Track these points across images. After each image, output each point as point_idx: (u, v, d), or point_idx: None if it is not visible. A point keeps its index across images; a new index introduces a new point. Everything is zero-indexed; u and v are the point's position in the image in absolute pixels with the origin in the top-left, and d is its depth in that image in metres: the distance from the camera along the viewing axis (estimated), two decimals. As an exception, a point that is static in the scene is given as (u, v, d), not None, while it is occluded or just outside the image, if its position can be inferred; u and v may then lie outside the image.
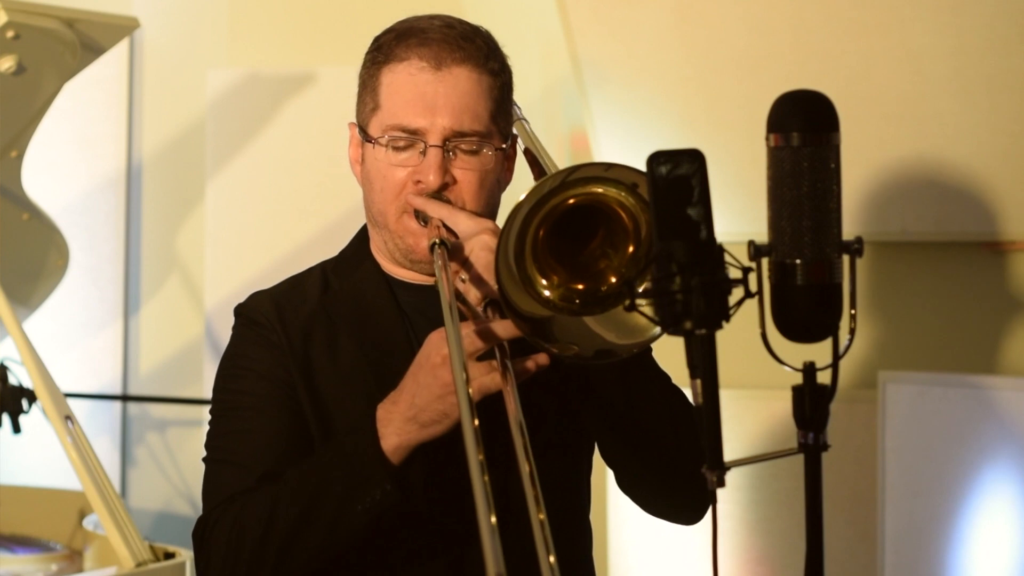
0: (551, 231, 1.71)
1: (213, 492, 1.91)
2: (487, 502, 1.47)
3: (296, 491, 1.82)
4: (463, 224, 1.84)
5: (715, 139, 3.44)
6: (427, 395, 1.75)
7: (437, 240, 1.81)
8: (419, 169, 1.89)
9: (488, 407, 1.72)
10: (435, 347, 1.75)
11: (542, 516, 1.53)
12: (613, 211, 1.71)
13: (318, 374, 1.93)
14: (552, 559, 1.49)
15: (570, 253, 1.75)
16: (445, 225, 1.85)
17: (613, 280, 1.74)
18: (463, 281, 1.80)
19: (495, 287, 1.75)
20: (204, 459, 1.95)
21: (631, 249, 1.73)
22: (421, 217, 1.90)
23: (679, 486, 1.90)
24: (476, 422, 1.57)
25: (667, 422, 1.87)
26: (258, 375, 1.93)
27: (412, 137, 1.89)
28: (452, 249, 1.81)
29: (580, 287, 1.74)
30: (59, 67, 3.26)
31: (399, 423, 1.77)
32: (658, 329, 1.67)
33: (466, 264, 1.81)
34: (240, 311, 2.01)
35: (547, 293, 1.73)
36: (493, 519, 1.46)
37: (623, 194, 1.69)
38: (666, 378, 1.92)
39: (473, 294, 1.79)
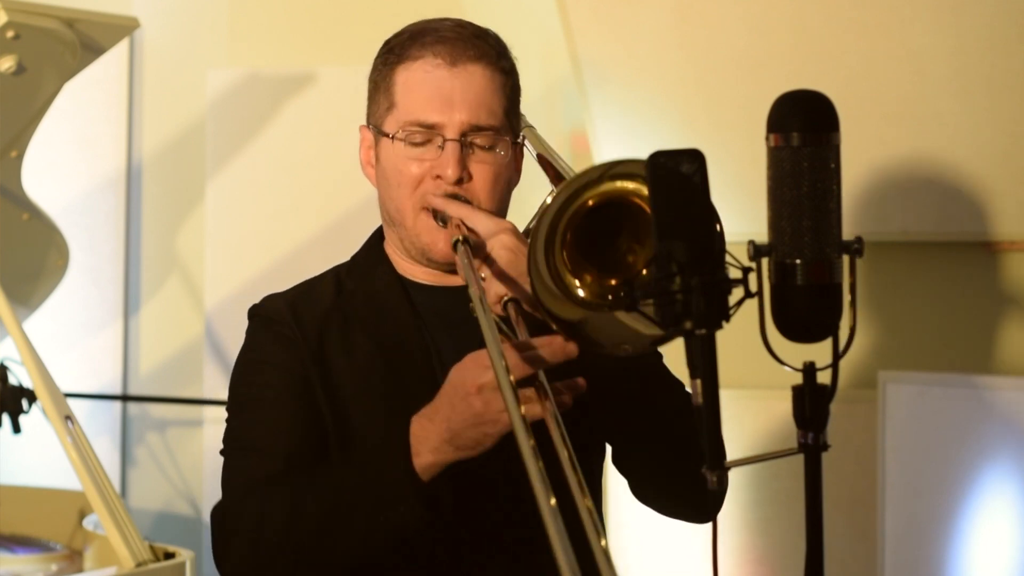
0: (578, 231, 1.70)
1: (233, 478, 1.91)
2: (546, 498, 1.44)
3: (321, 496, 1.81)
4: (483, 224, 1.84)
5: (715, 139, 3.44)
6: (461, 422, 1.72)
7: (460, 238, 1.82)
8: (438, 163, 1.90)
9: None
10: (470, 374, 1.71)
11: (589, 504, 1.50)
12: (634, 205, 1.69)
13: (334, 370, 1.93)
14: (604, 543, 1.45)
15: (598, 252, 1.73)
16: (465, 225, 1.86)
17: (645, 271, 1.71)
18: (483, 279, 1.80)
19: (517, 285, 1.75)
20: (222, 451, 1.95)
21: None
22: (439, 217, 1.91)
23: (693, 484, 1.91)
24: (532, 442, 1.52)
25: (680, 422, 1.86)
26: (274, 368, 1.93)
27: (430, 132, 1.91)
28: (473, 247, 1.81)
29: (613, 283, 1.72)
30: (59, 67, 3.26)
31: (435, 442, 1.75)
32: None
33: (487, 262, 1.81)
34: (254, 312, 2.01)
35: (581, 292, 1.71)
36: (553, 501, 1.43)
37: (644, 188, 1.68)
38: (678, 382, 1.93)
39: (494, 292, 1.79)
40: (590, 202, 1.69)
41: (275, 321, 1.96)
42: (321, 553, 1.82)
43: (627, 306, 1.56)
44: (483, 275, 1.81)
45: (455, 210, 1.88)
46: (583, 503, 1.49)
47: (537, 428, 1.60)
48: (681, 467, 1.85)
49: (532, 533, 1.85)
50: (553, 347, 1.68)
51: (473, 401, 1.70)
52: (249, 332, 2.00)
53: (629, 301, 1.54)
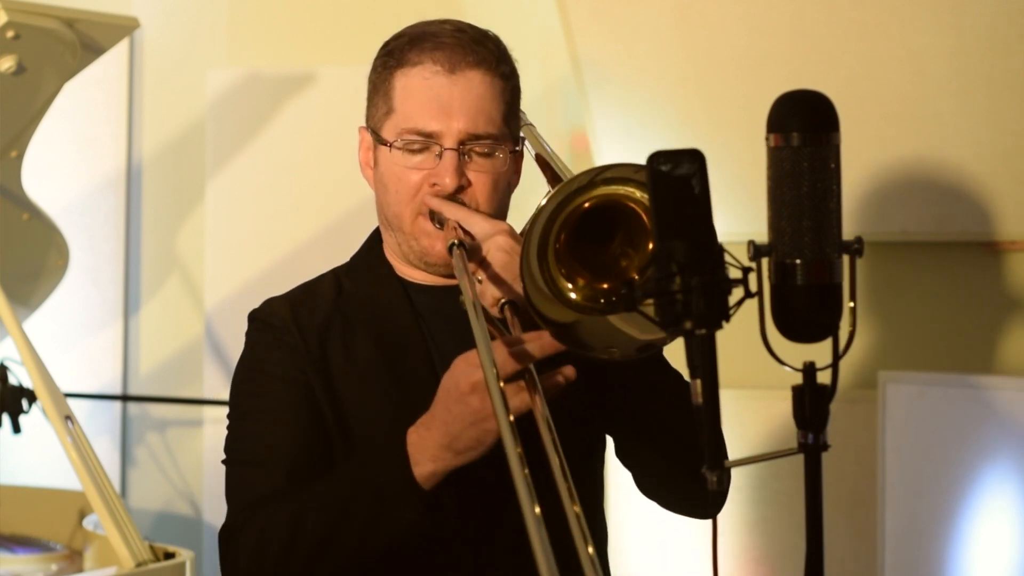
0: (571, 235, 1.71)
1: (237, 495, 1.92)
2: (530, 501, 1.45)
3: (322, 510, 1.82)
4: (479, 226, 1.85)
5: (715, 139, 3.44)
6: (459, 424, 1.72)
7: (455, 241, 1.82)
8: (435, 172, 1.90)
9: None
10: (462, 374, 1.72)
11: (577, 509, 1.50)
12: (630, 210, 1.70)
13: (335, 374, 1.93)
14: (591, 550, 1.45)
15: (591, 255, 1.74)
16: (461, 227, 1.86)
17: (636, 277, 1.73)
18: (479, 282, 1.80)
19: (513, 287, 1.76)
20: (224, 461, 1.95)
21: (651, 246, 1.72)
22: (436, 219, 1.91)
23: (695, 478, 1.91)
24: (518, 448, 1.53)
25: (684, 416, 1.87)
26: (274, 377, 1.93)
27: (427, 140, 1.91)
28: (469, 250, 1.82)
29: (606, 287, 1.73)
30: (59, 67, 3.26)
31: (434, 450, 1.75)
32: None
33: (483, 265, 1.82)
34: (254, 316, 2.00)
35: (573, 295, 1.72)
36: (537, 509, 1.43)
37: (637, 192, 1.69)
38: (679, 375, 1.93)
39: (490, 295, 1.79)
40: (584, 205, 1.70)
41: (276, 327, 1.96)
42: (324, 567, 1.82)
43: (627, 307, 1.56)
44: (480, 277, 1.81)
45: (452, 212, 1.88)
46: (571, 508, 1.50)
47: (532, 430, 1.61)
48: (683, 460, 1.85)
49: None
50: (541, 342, 1.69)
51: (470, 400, 1.70)
52: (249, 337, 2.00)
53: (629, 301, 1.54)
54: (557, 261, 1.71)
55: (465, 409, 1.71)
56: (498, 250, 1.81)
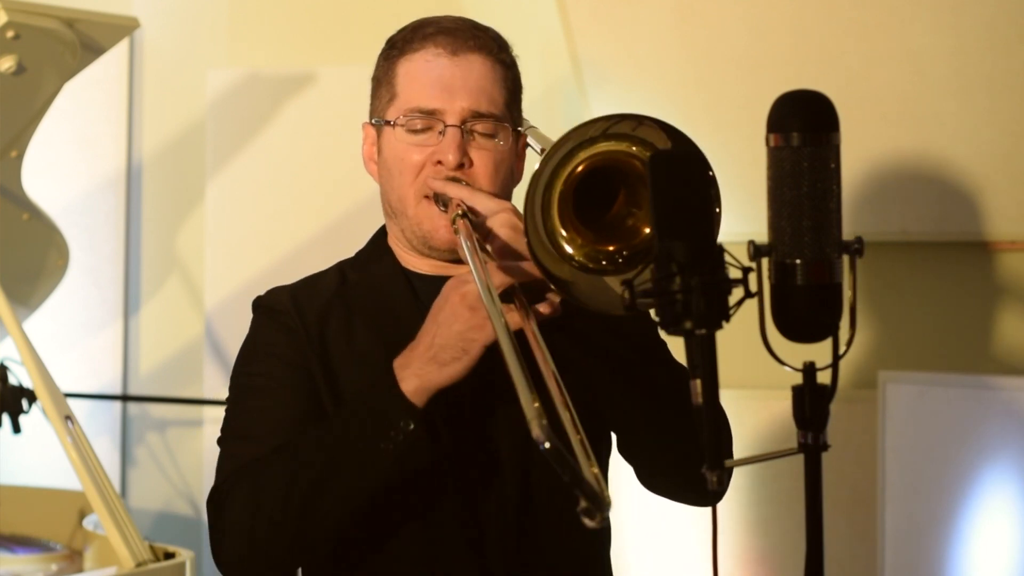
0: (573, 198, 1.72)
1: (227, 464, 1.91)
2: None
3: (317, 444, 1.82)
4: (483, 204, 1.86)
5: (715, 139, 3.44)
6: (447, 332, 1.77)
7: (459, 212, 1.84)
8: (438, 149, 1.92)
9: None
10: (452, 289, 1.79)
11: (580, 437, 1.57)
12: (631, 167, 1.70)
13: (334, 358, 1.94)
14: (595, 470, 1.53)
15: (595, 217, 1.75)
16: (465, 205, 1.87)
17: (647, 231, 1.73)
18: (485, 262, 1.81)
19: (519, 265, 1.77)
20: (219, 440, 1.95)
21: None
22: (440, 201, 1.92)
23: (697, 467, 1.91)
24: (511, 339, 1.61)
25: (683, 405, 1.87)
26: (274, 358, 1.95)
27: (430, 118, 1.92)
28: (474, 226, 1.83)
29: (610, 248, 1.74)
30: (59, 67, 3.26)
31: (418, 365, 1.78)
32: None
33: (488, 241, 1.83)
34: (258, 303, 2.02)
35: (573, 252, 1.73)
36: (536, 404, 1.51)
37: (634, 148, 1.69)
38: (682, 368, 1.93)
39: (497, 277, 1.80)
40: (585, 165, 1.70)
41: (277, 311, 1.98)
42: (322, 504, 1.81)
43: (626, 306, 1.56)
44: (484, 257, 1.82)
45: (455, 191, 1.89)
46: (574, 435, 1.58)
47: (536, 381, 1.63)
48: (685, 450, 1.85)
49: (530, 472, 1.87)
50: (529, 264, 1.74)
51: (459, 310, 1.76)
52: (252, 323, 2.02)
53: (629, 300, 1.54)
54: (561, 221, 1.72)
55: (453, 318, 1.77)
56: (502, 226, 1.81)
